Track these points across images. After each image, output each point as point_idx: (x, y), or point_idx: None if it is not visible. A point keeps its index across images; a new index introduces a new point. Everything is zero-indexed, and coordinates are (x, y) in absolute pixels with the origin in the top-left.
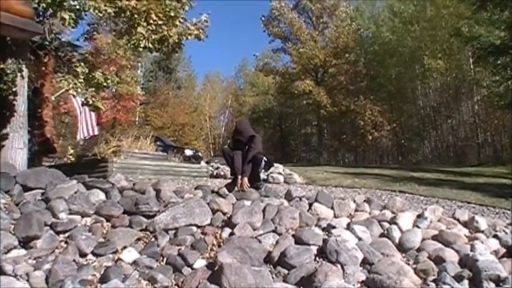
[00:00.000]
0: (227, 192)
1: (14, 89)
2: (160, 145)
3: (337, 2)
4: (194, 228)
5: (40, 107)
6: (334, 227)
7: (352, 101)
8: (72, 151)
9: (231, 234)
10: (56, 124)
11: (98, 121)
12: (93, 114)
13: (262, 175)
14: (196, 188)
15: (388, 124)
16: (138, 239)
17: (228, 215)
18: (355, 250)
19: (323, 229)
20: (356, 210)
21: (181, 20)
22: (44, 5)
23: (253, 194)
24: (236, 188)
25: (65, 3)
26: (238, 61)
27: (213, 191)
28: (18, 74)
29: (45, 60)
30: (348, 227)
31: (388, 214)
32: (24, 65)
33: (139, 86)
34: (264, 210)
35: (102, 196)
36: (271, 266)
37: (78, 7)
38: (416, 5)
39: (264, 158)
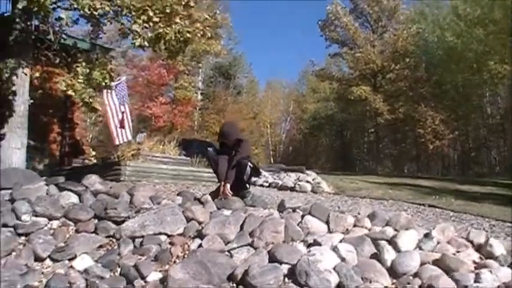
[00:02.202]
0: (210, 199)
1: (13, 89)
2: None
3: (396, 5)
4: (163, 238)
5: (71, 109)
6: (319, 244)
7: (412, 108)
8: (94, 153)
9: (200, 246)
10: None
11: (121, 124)
12: (129, 116)
13: (290, 183)
14: (178, 194)
15: (451, 133)
16: (101, 246)
17: (203, 225)
18: (329, 273)
19: (308, 245)
20: (355, 226)
21: (182, 17)
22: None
23: (237, 202)
24: (220, 196)
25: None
26: (302, 67)
27: (195, 198)
28: (19, 73)
29: (57, 61)
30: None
31: (390, 231)
32: (23, 65)
33: (199, 91)
34: (243, 222)
35: (74, 199)
36: (234, 285)
37: (76, 6)
38: (483, 7)
39: (250, 164)
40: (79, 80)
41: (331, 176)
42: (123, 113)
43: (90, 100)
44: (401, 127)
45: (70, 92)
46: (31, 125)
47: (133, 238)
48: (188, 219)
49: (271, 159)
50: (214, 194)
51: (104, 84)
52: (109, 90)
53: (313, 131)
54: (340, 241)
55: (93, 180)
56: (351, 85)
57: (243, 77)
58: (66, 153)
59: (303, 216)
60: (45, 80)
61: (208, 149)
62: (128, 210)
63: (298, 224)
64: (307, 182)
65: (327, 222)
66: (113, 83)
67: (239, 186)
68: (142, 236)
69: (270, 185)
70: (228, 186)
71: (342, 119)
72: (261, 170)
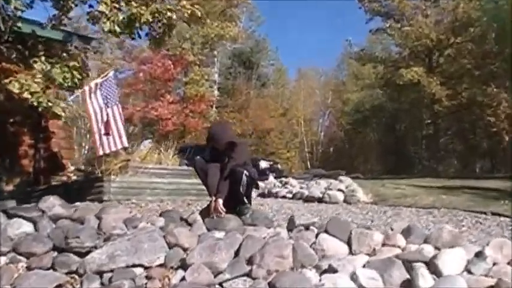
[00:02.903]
0: (199, 219)
1: None
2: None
3: None
4: (138, 270)
5: (45, 115)
6: (335, 270)
7: (480, 90)
8: (72, 168)
9: (183, 279)
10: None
11: (106, 130)
12: (119, 118)
13: (318, 193)
14: (161, 215)
15: None
16: (60, 285)
17: (189, 252)
18: None
19: (322, 272)
20: (384, 244)
21: None
22: None
23: (232, 221)
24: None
25: None
26: (340, 49)
27: (182, 219)
28: None
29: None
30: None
31: (429, 251)
32: None
33: (215, 85)
34: (240, 245)
35: (27, 227)
36: None
37: None
38: None
39: (246, 172)
40: (36, 80)
41: (374, 181)
42: (108, 116)
43: (50, 104)
44: (467, 115)
45: (26, 95)
46: None
47: (100, 273)
48: (170, 246)
49: (308, 164)
50: (206, 212)
51: (66, 85)
52: (92, 89)
53: (358, 126)
54: (364, 265)
55: (52, 203)
56: (400, 67)
57: (268, 65)
58: (41, 169)
59: (318, 235)
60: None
61: (197, 157)
62: (95, 238)
63: (311, 246)
64: (339, 190)
65: (348, 242)
66: (98, 80)
67: (235, 201)
68: (112, 270)
69: (293, 196)
70: (221, 201)
71: (392, 109)
72: (259, 183)
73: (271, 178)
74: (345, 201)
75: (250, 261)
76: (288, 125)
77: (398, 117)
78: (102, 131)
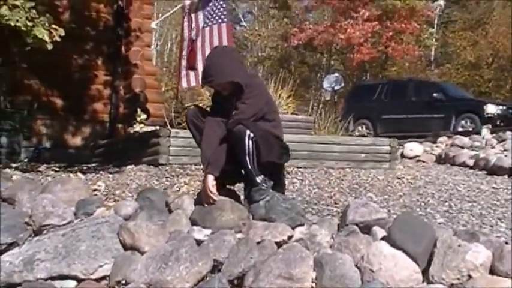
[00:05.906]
0: (188, 206)
1: None
2: (439, 99)
3: None
4: (69, 284)
5: (126, 43)
6: None
7: None
8: (143, 116)
9: None
10: None
11: (189, 61)
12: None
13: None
14: (138, 197)
15: None
16: None
17: None
18: None
19: None
20: (494, 272)
21: None
22: None
23: (226, 213)
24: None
25: None
26: None
27: (168, 204)
28: None
29: None
30: None
31: None
32: None
33: None
34: (228, 255)
35: None
36: None
37: None
38: None
39: (249, 133)
40: None
41: None
42: (193, 42)
43: (29, 24)
44: None
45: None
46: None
47: (13, 286)
48: (126, 248)
49: None
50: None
51: None
52: (195, 4)
53: None
54: None
55: None
56: None
57: None
58: (120, 116)
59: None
60: None
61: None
62: (19, 230)
63: (359, 261)
64: None
65: (428, 259)
66: None
67: (231, 176)
68: (28, 282)
69: (475, 164)
70: (211, 179)
71: None
72: (287, 145)
73: (484, 132)
74: None
75: (239, 283)
76: None
77: None
78: (184, 63)
